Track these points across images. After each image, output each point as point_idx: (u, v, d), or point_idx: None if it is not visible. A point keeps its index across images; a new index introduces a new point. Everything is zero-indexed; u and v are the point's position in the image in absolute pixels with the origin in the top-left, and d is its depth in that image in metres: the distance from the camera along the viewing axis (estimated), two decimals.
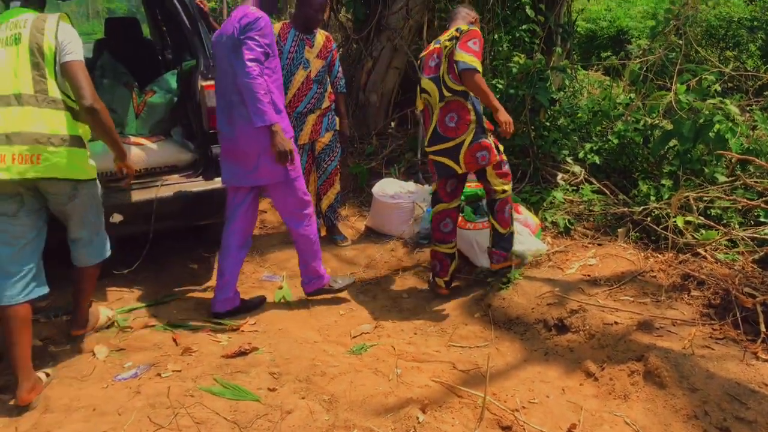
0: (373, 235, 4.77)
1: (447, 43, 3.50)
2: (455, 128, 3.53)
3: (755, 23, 11.01)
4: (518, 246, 3.96)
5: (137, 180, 3.57)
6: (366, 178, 5.38)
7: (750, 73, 5.60)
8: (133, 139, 3.78)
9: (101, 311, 3.27)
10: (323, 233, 4.73)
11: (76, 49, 2.63)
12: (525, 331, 3.41)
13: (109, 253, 3.06)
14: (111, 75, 4.28)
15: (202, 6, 4.02)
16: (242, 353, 3.00)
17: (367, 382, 2.79)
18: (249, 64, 3.03)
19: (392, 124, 6.17)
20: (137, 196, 3.50)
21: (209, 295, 3.72)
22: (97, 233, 2.98)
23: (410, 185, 4.83)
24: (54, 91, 2.59)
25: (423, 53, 3.80)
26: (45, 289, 2.77)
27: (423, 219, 4.50)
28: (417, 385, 2.86)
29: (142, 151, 3.77)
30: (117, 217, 3.29)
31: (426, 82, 3.62)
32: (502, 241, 3.77)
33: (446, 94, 3.50)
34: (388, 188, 4.74)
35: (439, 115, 3.55)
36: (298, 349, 3.07)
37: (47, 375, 2.77)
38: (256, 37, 3.07)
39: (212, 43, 3.42)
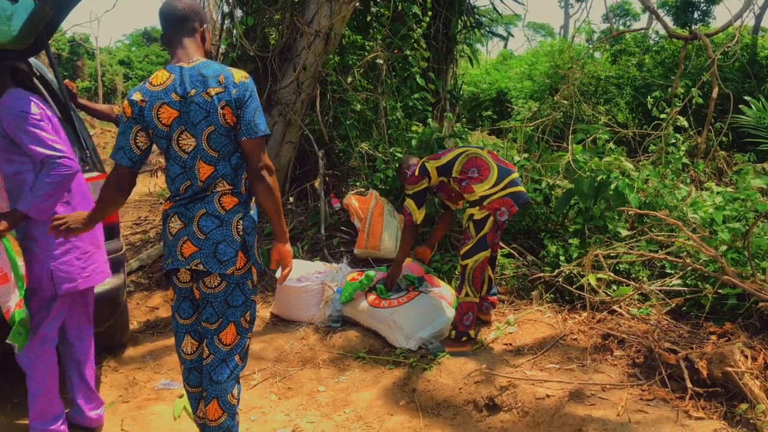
0: (280, 323, 4.37)
1: None
2: None
3: (620, 80, 11.98)
4: (439, 320, 3.78)
5: None
6: (267, 261, 5.04)
7: (641, 131, 5.88)
8: None
9: None
10: None
11: None
12: (455, 416, 3.17)
13: None
14: None
15: (71, 88, 3.59)
16: None
17: None
18: None
19: (290, 199, 5.91)
20: None
21: None
22: None
23: (317, 264, 4.53)
24: None
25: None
26: None
27: (334, 300, 4.20)
28: None
29: None
30: None
31: None
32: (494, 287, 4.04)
33: None
34: (293, 271, 4.41)
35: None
36: None
37: None
38: None
39: None
